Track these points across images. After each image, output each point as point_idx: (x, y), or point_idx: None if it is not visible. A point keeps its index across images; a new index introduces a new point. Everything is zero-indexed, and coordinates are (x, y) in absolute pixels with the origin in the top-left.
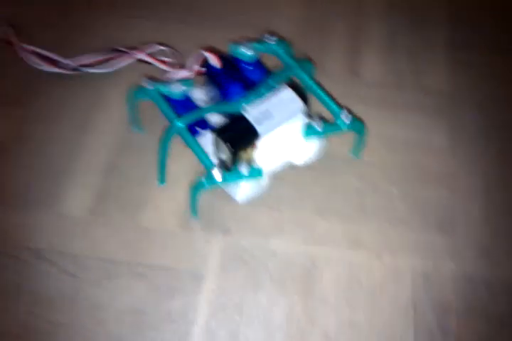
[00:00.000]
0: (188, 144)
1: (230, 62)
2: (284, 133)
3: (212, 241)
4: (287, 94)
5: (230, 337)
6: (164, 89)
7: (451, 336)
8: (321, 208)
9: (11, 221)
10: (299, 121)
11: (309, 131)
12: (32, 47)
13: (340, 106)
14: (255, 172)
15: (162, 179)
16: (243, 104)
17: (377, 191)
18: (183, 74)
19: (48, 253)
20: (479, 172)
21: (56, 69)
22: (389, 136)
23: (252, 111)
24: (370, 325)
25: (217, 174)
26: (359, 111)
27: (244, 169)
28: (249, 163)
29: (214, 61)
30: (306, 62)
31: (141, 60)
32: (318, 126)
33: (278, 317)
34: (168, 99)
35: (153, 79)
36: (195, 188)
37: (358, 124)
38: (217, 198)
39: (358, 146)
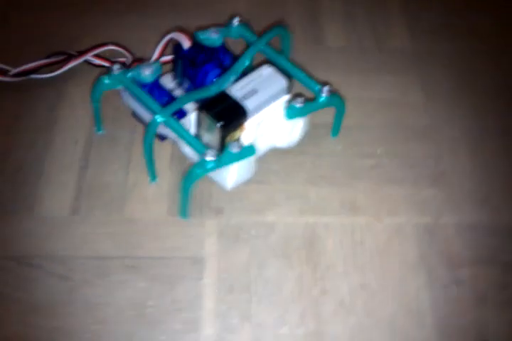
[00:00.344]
0: (174, 131)
1: (200, 44)
2: (270, 113)
3: (206, 224)
4: (268, 71)
5: (243, 317)
6: (134, 73)
7: (466, 287)
8: (310, 177)
9: None
10: (283, 101)
11: (291, 111)
12: None
13: (318, 82)
14: (248, 151)
15: (153, 176)
16: (221, 84)
17: (363, 154)
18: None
19: (34, 258)
20: (460, 122)
21: (4, 78)
22: (364, 99)
23: (235, 89)
24: (383, 286)
25: (211, 159)
26: (329, 77)
27: (235, 149)
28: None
29: (185, 41)
30: (279, 29)
31: (90, 63)
32: (300, 105)
33: (288, 291)
34: (140, 85)
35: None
36: (188, 180)
37: (337, 99)
38: (202, 179)
39: (338, 124)
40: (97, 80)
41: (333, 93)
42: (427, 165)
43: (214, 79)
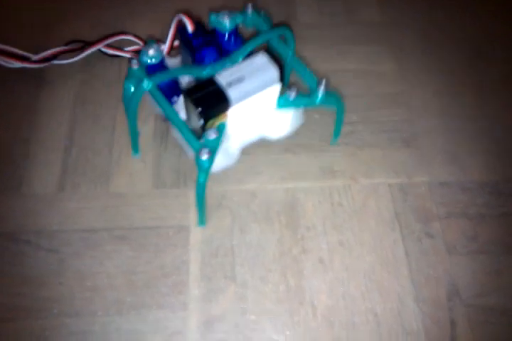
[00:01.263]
0: (168, 117)
1: (204, 28)
2: (257, 102)
3: (189, 194)
4: (262, 60)
5: (227, 278)
6: (143, 59)
7: (438, 239)
8: (289, 146)
9: None
10: (273, 91)
11: (282, 101)
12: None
13: (318, 78)
14: (221, 131)
15: (136, 149)
16: (215, 68)
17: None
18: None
19: (24, 234)
20: (430, 87)
21: (26, 65)
22: (338, 70)
23: (224, 75)
24: (360, 242)
25: (205, 156)
26: (303, 52)
27: (213, 134)
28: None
29: (188, 24)
30: (284, 29)
31: (104, 53)
32: (291, 96)
33: (271, 252)
34: (147, 67)
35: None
36: (199, 191)
37: (334, 99)
38: (183, 151)
39: (339, 127)
40: (128, 88)
41: (330, 92)
42: (400, 129)
43: (208, 61)
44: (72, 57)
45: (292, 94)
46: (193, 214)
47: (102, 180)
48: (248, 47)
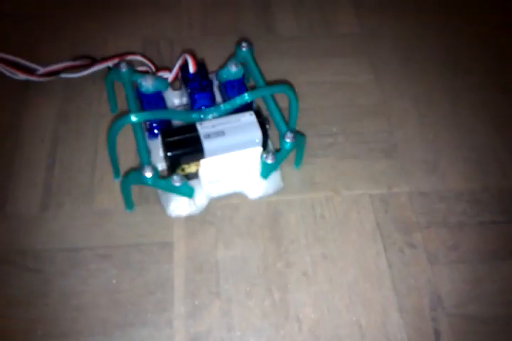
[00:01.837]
0: (136, 139)
1: (205, 72)
2: (235, 160)
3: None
4: (249, 119)
5: (212, 294)
6: (137, 78)
7: (420, 249)
8: None
9: None
10: (253, 153)
11: (264, 168)
12: (6, 56)
13: (288, 127)
14: (186, 190)
15: (117, 173)
16: (200, 116)
17: (319, 133)
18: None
19: (7, 254)
20: (408, 97)
21: (32, 78)
22: (317, 82)
23: (205, 125)
24: (343, 254)
25: (147, 174)
26: (283, 65)
27: (177, 182)
28: (190, 177)
29: (190, 65)
30: (285, 88)
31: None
32: (270, 160)
33: (255, 266)
34: (139, 92)
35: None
36: (124, 182)
37: (300, 140)
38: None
39: (299, 157)
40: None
41: (297, 135)
42: (380, 140)
43: (197, 107)
44: (79, 72)
45: (271, 159)
46: (176, 230)
47: (86, 198)
48: (237, 101)
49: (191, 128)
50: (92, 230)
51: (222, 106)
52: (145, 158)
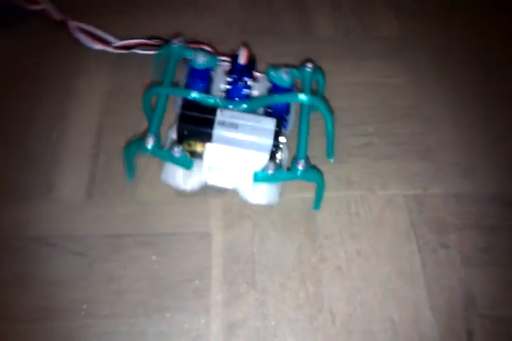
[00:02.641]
0: (155, 108)
1: (252, 68)
2: (240, 158)
3: (210, 202)
4: (267, 125)
5: (248, 285)
6: (188, 53)
7: (453, 250)
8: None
9: (9, 215)
10: (258, 158)
11: (260, 174)
12: (85, 27)
13: (305, 156)
14: (185, 162)
15: (131, 173)
16: (225, 104)
17: (355, 133)
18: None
19: (52, 239)
20: (443, 100)
21: (107, 48)
22: (352, 83)
23: (225, 114)
24: (377, 252)
25: (148, 143)
26: (322, 66)
27: (177, 152)
28: (194, 156)
29: (242, 57)
30: (316, 101)
31: None
32: (270, 171)
33: (289, 260)
34: (190, 67)
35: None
36: (126, 149)
37: (313, 175)
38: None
39: (319, 198)
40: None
41: (310, 168)
42: (414, 141)
43: (230, 96)
44: (150, 50)
45: (270, 169)
46: (214, 222)
47: (128, 187)
48: (261, 102)
49: (212, 111)
50: (133, 218)
51: (245, 105)
52: (152, 128)
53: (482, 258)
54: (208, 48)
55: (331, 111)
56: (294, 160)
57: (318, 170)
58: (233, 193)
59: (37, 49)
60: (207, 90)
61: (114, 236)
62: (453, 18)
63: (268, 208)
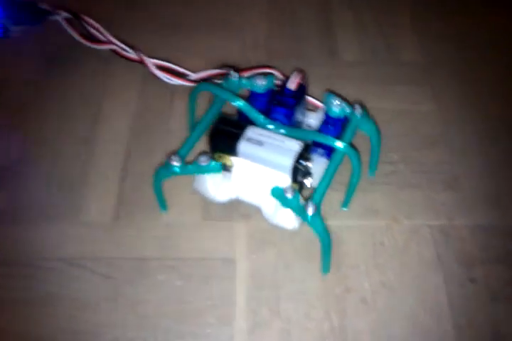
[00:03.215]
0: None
1: (302, 94)
2: (262, 175)
3: (235, 227)
4: (292, 146)
5: (272, 313)
6: (247, 83)
7: (480, 284)
8: (332, 183)
9: (39, 234)
10: (278, 178)
11: (279, 196)
12: (162, 63)
13: (319, 201)
14: (213, 167)
15: (163, 206)
16: (262, 122)
17: (380, 160)
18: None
19: (80, 260)
20: (470, 129)
21: (184, 83)
22: (379, 109)
23: (254, 131)
24: (403, 283)
25: (175, 164)
26: (345, 89)
27: (203, 161)
28: (224, 169)
29: (293, 83)
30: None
31: None
32: (289, 195)
33: (313, 288)
34: (252, 93)
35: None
36: (155, 178)
37: (318, 227)
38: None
39: (326, 260)
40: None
41: (318, 217)
42: (441, 170)
43: (273, 117)
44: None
45: (288, 193)
46: (238, 248)
47: (155, 210)
48: (300, 133)
49: (243, 126)
50: (160, 242)
51: (283, 130)
52: (182, 151)
53: (510, 294)
54: (272, 71)
55: (361, 164)
56: (306, 202)
57: (324, 224)
58: (258, 218)
59: (65, 70)
60: (266, 111)
61: (141, 259)
62: (483, 47)
63: (292, 235)
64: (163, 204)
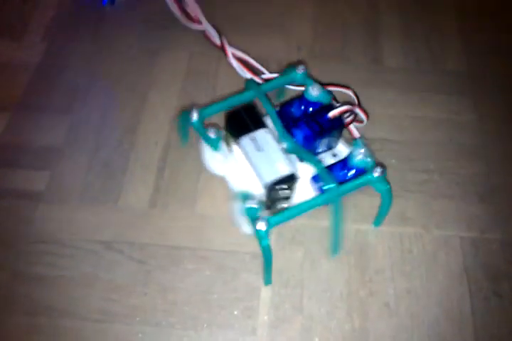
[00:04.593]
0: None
1: (335, 125)
2: (248, 174)
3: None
4: (281, 170)
5: (295, 310)
6: (308, 81)
7: (506, 299)
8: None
9: (78, 216)
10: (256, 187)
11: (242, 196)
12: (241, 55)
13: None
14: (213, 143)
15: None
16: (282, 135)
17: (415, 168)
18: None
19: (117, 244)
20: (509, 142)
21: (257, 79)
22: (419, 117)
23: (262, 136)
24: (427, 292)
25: (193, 115)
26: (385, 95)
27: (211, 133)
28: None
29: (336, 111)
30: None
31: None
32: (248, 203)
33: (338, 290)
34: (303, 97)
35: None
36: (180, 118)
37: (261, 237)
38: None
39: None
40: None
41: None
42: (476, 182)
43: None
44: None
45: (249, 203)
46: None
47: (189, 201)
48: (307, 158)
49: (260, 125)
50: (193, 232)
51: (294, 149)
52: (207, 110)
53: None
54: (348, 92)
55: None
56: (261, 217)
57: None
58: None
59: (117, 58)
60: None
61: (174, 247)
62: None
63: (321, 235)
64: (185, 137)
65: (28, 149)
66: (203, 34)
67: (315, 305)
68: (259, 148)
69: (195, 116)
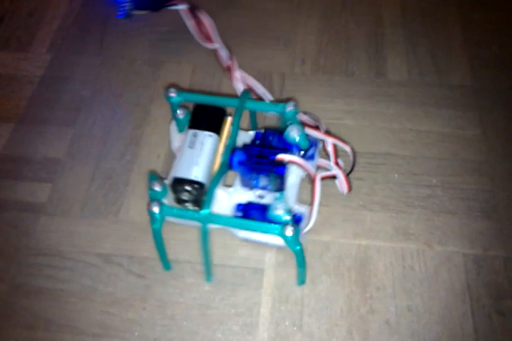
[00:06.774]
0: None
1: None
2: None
3: None
4: (196, 173)
5: (295, 326)
6: (294, 121)
7: (508, 317)
8: (366, 202)
9: (79, 228)
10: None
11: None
12: (249, 80)
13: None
14: (182, 124)
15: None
16: (226, 149)
17: (418, 183)
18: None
19: (116, 257)
20: None
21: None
22: (423, 131)
23: (204, 137)
24: (429, 310)
25: (171, 93)
26: (389, 108)
27: (181, 114)
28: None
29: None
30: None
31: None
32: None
33: (339, 307)
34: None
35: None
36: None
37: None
38: None
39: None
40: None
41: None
42: (480, 198)
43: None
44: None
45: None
46: (268, 259)
47: None
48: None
49: (215, 127)
50: (192, 246)
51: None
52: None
53: None
54: (335, 141)
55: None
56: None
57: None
58: None
59: (121, 71)
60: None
61: (173, 261)
62: None
63: (323, 250)
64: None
65: (31, 161)
66: (214, 52)
67: (315, 323)
68: (192, 146)
69: (172, 94)
